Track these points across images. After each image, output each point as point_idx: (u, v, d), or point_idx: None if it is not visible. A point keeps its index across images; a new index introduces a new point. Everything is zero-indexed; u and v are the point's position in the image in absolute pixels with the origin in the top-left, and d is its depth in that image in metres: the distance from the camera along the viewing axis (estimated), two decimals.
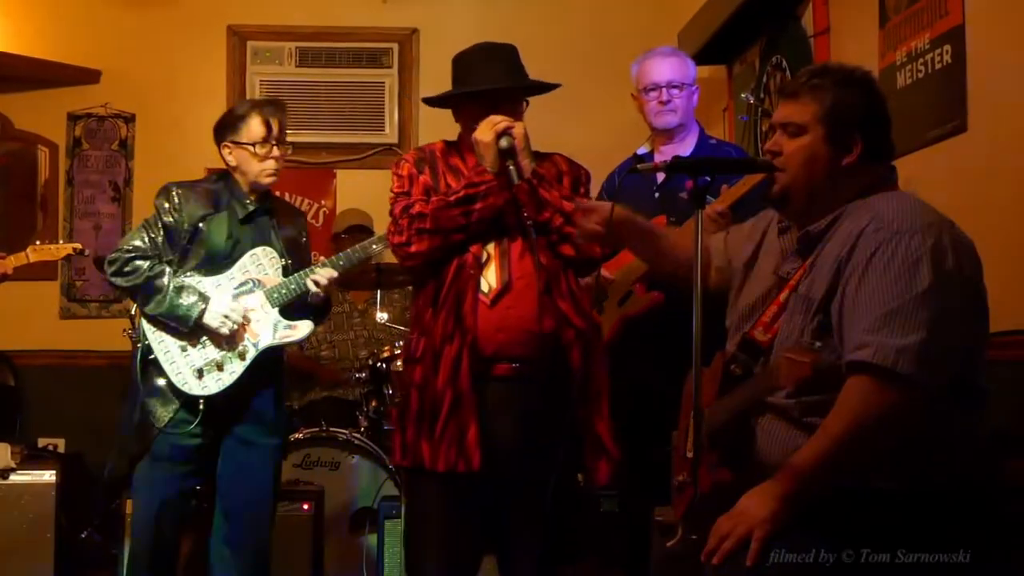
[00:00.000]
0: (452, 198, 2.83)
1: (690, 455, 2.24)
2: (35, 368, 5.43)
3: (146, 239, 3.40)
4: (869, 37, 3.58)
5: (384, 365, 4.25)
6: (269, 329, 3.42)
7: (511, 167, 2.77)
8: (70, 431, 5.27)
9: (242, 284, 3.42)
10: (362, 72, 5.62)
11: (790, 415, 2.14)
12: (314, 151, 5.55)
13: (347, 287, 4.90)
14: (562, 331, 2.86)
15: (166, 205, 3.42)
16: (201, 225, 3.41)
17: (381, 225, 4.31)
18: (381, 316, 4.52)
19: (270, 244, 3.47)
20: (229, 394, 3.37)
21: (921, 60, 3.26)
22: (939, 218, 2.11)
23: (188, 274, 3.39)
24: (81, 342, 5.45)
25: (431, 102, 3.06)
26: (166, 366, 3.36)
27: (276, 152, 3.45)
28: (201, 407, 3.35)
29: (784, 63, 4.31)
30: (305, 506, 4.01)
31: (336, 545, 4.16)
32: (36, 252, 4.13)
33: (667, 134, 3.68)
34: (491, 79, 2.89)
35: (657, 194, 3.59)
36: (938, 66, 3.17)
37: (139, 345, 3.42)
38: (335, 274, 3.45)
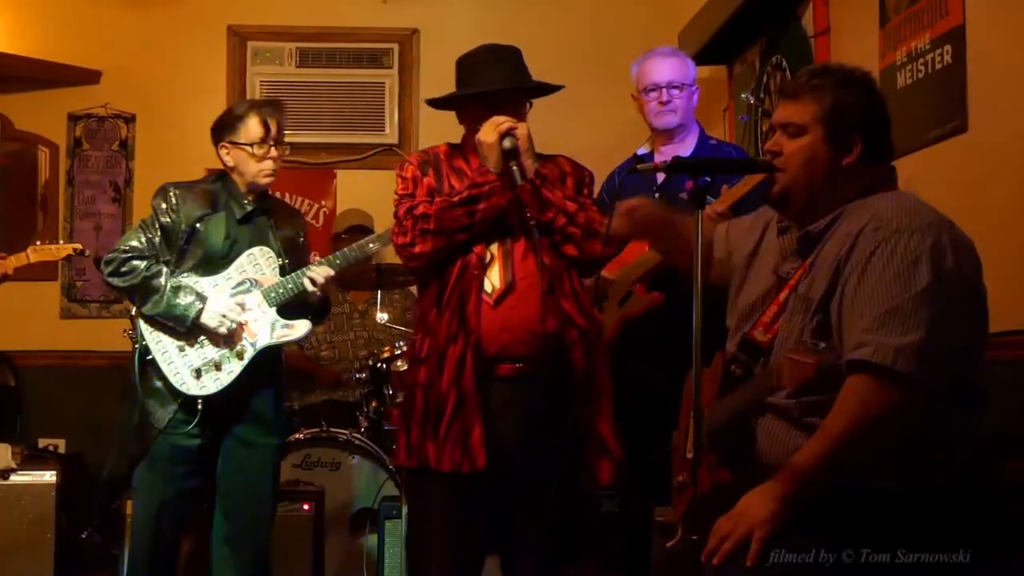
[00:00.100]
0: (456, 199, 2.84)
1: (690, 455, 2.24)
2: (36, 368, 5.43)
3: (143, 239, 3.40)
4: (869, 37, 3.58)
5: (384, 365, 4.25)
6: (267, 329, 3.42)
7: (514, 168, 2.77)
8: (70, 431, 5.27)
9: (239, 284, 3.42)
10: (362, 72, 5.62)
11: (790, 415, 2.14)
12: (314, 151, 5.55)
13: (347, 288, 4.90)
14: (565, 331, 2.87)
15: (163, 205, 3.41)
16: (199, 225, 3.40)
17: (381, 225, 4.32)
18: (381, 317, 4.52)
19: (267, 244, 3.47)
20: (228, 394, 3.37)
21: (921, 60, 3.26)
22: (938, 217, 2.11)
23: (185, 274, 3.39)
24: (82, 342, 5.45)
25: (435, 104, 3.06)
26: (164, 367, 3.36)
27: (274, 152, 3.45)
28: (200, 407, 3.35)
29: (784, 63, 4.31)
30: (305, 506, 4.01)
31: (336, 545, 4.16)
32: (36, 252, 4.13)
33: (667, 134, 3.69)
34: (494, 80, 2.90)
35: (657, 194, 3.59)
36: (938, 66, 3.17)
37: (137, 346, 3.43)
38: (332, 273, 3.45)
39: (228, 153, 3.46)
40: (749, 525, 2.03)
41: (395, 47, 5.62)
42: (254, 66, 5.60)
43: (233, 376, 3.37)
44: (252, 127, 3.43)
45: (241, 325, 3.38)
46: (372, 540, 4.08)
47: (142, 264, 3.36)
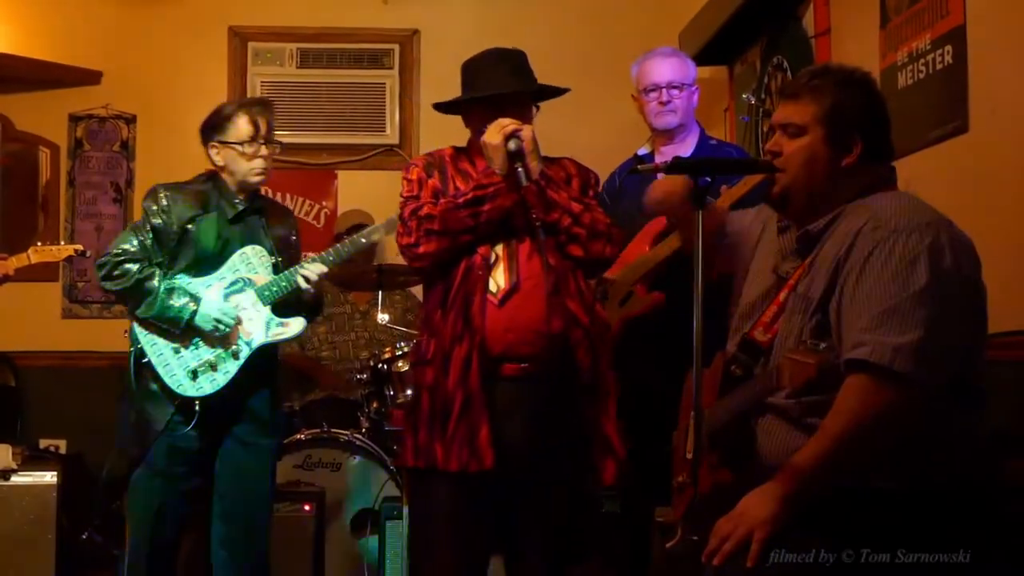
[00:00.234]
0: (461, 200, 2.84)
1: (690, 456, 2.24)
2: (36, 369, 5.43)
3: (135, 242, 3.39)
4: (870, 38, 3.58)
5: (385, 366, 4.24)
6: (262, 327, 3.42)
7: (519, 169, 2.78)
8: (71, 432, 5.26)
9: (233, 284, 3.42)
10: (363, 73, 5.61)
11: (790, 416, 2.14)
12: (315, 152, 5.55)
13: (349, 288, 4.90)
14: (570, 331, 2.87)
15: (154, 207, 3.41)
16: (190, 226, 3.40)
17: None
18: (382, 317, 4.51)
19: (260, 243, 3.47)
20: (224, 394, 3.37)
21: (922, 60, 3.26)
22: (937, 217, 2.11)
23: (178, 275, 3.39)
24: (82, 343, 5.44)
25: (440, 108, 3.07)
26: (160, 368, 3.36)
27: (264, 151, 3.44)
28: (197, 408, 3.35)
29: (785, 64, 4.31)
30: (306, 507, 4.01)
31: (337, 546, 4.16)
32: (37, 253, 4.12)
33: (667, 135, 3.68)
34: (499, 84, 2.91)
35: None
36: (939, 66, 3.17)
37: (132, 349, 3.42)
38: (325, 269, 3.44)
39: (218, 153, 3.45)
40: (749, 526, 2.03)
41: (396, 48, 5.62)
42: (255, 67, 5.59)
43: (229, 376, 3.37)
44: (241, 126, 3.42)
45: (236, 324, 3.38)
46: (373, 541, 4.08)
47: (135, 267, 3.35)
